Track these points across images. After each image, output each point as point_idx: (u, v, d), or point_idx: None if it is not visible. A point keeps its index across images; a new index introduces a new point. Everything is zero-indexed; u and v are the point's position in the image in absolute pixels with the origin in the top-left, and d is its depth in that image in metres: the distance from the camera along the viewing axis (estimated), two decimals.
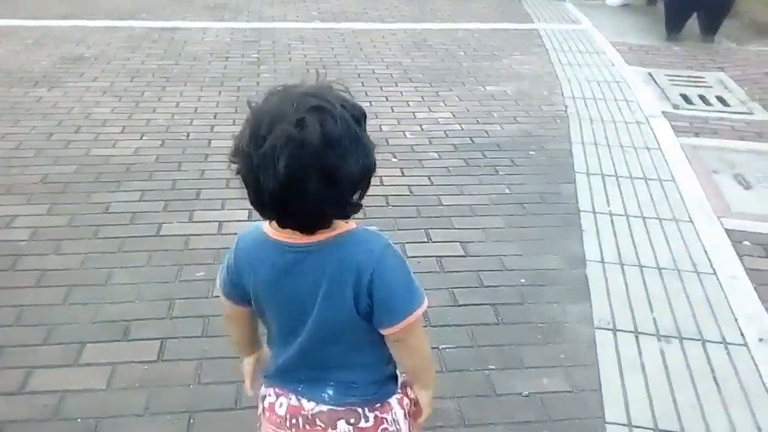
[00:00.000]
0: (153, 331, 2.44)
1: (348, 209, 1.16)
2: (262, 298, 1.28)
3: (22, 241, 2.99)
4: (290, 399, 1.32)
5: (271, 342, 1.37)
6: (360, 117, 1.14)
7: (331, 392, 1.29)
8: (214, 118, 4.44)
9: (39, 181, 3.53)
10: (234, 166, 1.15)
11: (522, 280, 2.79)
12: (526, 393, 2.20)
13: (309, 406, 1.30)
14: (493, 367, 2.31)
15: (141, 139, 4.08)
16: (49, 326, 2.45)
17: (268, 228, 1.24)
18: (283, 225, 1.19)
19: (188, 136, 4.15)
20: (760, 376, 2.29)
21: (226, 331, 1.53)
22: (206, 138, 4.12)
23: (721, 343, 2.45)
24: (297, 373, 1.31)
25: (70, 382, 2.19)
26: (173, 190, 3.48)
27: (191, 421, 2.07)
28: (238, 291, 1.32)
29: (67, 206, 3.28)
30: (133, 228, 3.11)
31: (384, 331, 1.24)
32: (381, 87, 5.08)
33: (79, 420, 2.05)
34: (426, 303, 1.24)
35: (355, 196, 1.15)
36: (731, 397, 2.20)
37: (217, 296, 1.43)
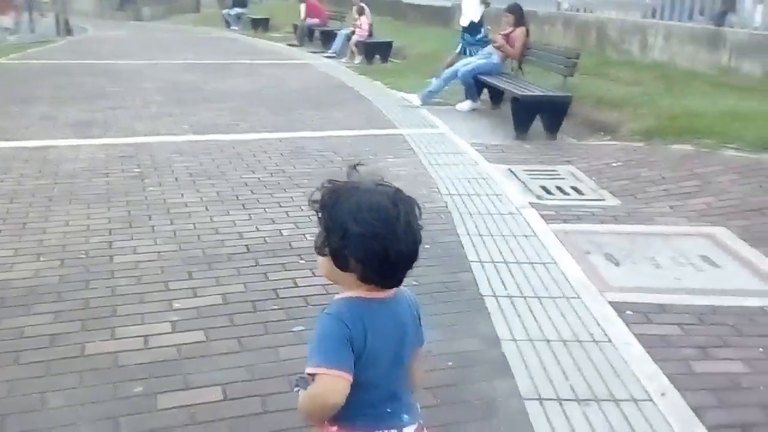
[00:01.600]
0: None
1: None
2: (379, 352, 1.52)
3: None
4: None
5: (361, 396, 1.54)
6: None
7: (407, 416, 1.61)
8: (110, 234, 4.42)
9: None
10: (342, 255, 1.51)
11: (449, 363, 3.02)
12: None
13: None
14: None
15: (38, 260, 3.99)
16: None
17: (358, 292, 1.54)
18: (390, 285, 1.55)
19: (87, 254, 4.10)
20: (670, 425, 2.62)
21: (325, 416, 1.57)
22: (107, 255, 4.10)
23: (631, 400, 2.78)
24: (384, 408, 1.58)
25: None
26: (87, 309, 3.43)
27: None
28: (352, 362, 1.51)
29: None
30: (55, 350, 3.04)
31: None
32: (271, 194, 5.28)
33: None
34: None
35: None
36: None
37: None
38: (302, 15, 17.64)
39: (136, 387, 2.78)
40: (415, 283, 3.79)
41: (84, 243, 4.26)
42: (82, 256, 4.07)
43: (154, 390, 2.76)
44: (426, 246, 4.38)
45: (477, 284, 3.81)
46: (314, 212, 1.53)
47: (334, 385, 1.48)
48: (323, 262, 1.54)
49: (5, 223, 4.55)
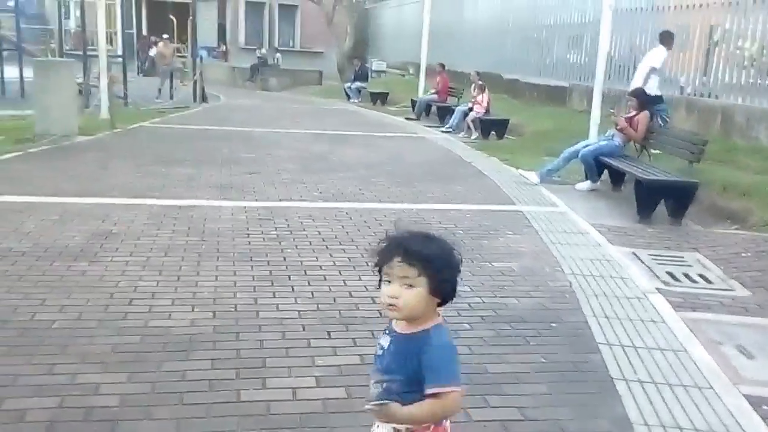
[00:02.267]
0: None
1: None
2: None
3: (114, 407, 3.18)
4: None
5: None
6: None
7: None
8: (255, 291, 4.77)
9: (110, 350, 3.75)
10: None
11: None
12: None
13: None
14: None
15: (193, 311, 4.36)
16: None
17: (438, 320, 2.02)
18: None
19: (236, 308, 4.45)
20: None
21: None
22: (254, 310, 4.43)
23: None
24: None
25: None
26: (239, 358, 3.73)
27: None
28: None
29: (144, 374, 3.50)
30: (214, 395, 3.33)
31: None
32: None
33: None
34: None
35: None
36: None
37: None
38: (434, 88, 18.33)
39: None
40: (543, 360, 3.90)
41: (232, 297, 4.62)
42: (231, 309, 4.42)
43: None
44: (552, 324, 4.52)
45: (606, 367, 3.86)
46: (416, 261, 1.90)
47: (460, 399, 1.97)
48: (417, 295, 1.90)
49: (161, 275, 4.99)
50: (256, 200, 7.57)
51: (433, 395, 1.91)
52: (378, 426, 2.02)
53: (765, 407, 3.49)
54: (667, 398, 3.53)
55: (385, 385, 1.99)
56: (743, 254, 6.26)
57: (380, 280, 1.97)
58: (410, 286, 1.89)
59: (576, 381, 3.69)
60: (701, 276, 5.64)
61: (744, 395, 3.59)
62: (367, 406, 1.97)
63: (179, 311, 4.35)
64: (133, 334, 3.96)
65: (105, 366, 3.57)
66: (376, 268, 1.97)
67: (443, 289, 1.93)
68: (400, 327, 2.00)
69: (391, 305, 1.91)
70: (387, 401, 1.93)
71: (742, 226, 7.29)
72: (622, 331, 4.37)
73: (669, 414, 3.37)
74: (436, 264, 1.89)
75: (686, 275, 5.65)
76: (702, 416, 3.36)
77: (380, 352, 2.03)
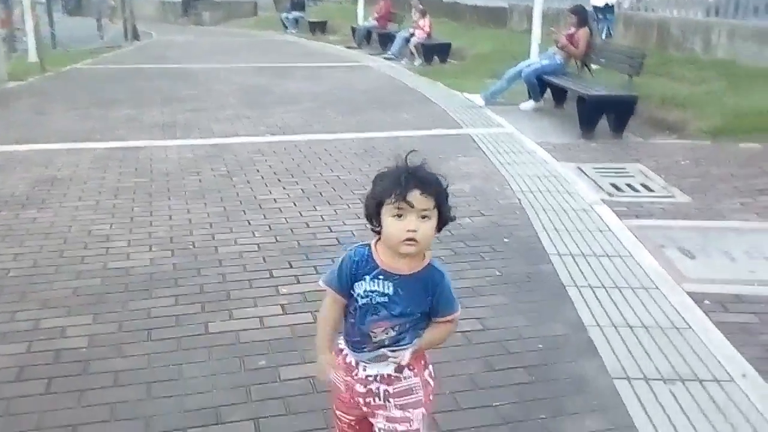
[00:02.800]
0: (242, 413, 2.73)
1: None
2: None
3: (83, 348, 3.21)
4: None
5: None
6: None
7: None
8: (211, 227, 4.78)
9: (71, 294, 3.75)
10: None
11: (540, 345, 3.27)
12: None
13: None
14: (543, 416, 2.74)
15: (150, 250, 4.36)
16: (146, 418, 2.69)
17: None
18: None
19: (194, 245, 4.46)
20: (753, 404, 2.82)
21: None
22: (212, 245, 4.45)
23: (714, 381, 2.98)
24: None
25: None
26: (203, 293, 3.78)
27: None
28: None
29: (109, 315, 3.52)
30: (182, 329, 3.38)
31: None
32: (352, 191, 5.58)
33: None
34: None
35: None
36: (736, 420, 2.72)
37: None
38: (372, 16, 18.01)
39: (260, 360, 3.10)
40: (498, 273, 4.05)
41: (189, 235, 4.62)
42: (190, 246, 4.43)
43: (276, 363, 3.08)
44: (505, 240, 4.67)
45: (558, 275, 4.04)
46: (433, 192, 1.81)
47: None
48: (432, 228, 1.83)
49: (114, 218, 4.95)
50: (202, 138, 7.48)
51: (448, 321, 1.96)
52: (365, 368, 1.96)
53: (707, 302, 3.71)
54: (617, 300, 3.73)
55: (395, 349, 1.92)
56: (682, 162, 6.51)
57: (370, 215, 1.86)
58: (426, 218, 1.79)
59: (530, 290, 3.86)
60: (643, 185, 5.86)
61: (687, 293, 3.81)
62: (390, 357, 1.92)
63: (137, 252, 4.34)
64: (93, 277, 3.96)
65: (68, 309, 3.58)
66: (374, 202, 1.83)
67: (446, 221, 1.86)
68: (401, 268, 1.86)
69: (410, 240, 1.78)
70: (405, 347, 1.92)
71: (680, 136, 7.54)
72: (571, 241, 4.55)
73: (619, 314, 3.57)
74: (444, 195, 1.84)
75: (629, 185, 5.86)
76: (649, 314, 3.57)
77: (383, 299, 1.87)
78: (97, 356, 3.15)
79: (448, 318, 1.94)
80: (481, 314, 3.55)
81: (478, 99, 9.42)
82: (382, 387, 1.96)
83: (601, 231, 4.75)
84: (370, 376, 1.96)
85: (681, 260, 4.30)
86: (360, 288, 1.88)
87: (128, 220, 4.92)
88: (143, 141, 7.26)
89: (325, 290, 1.95)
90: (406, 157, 1.85)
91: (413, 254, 1.83)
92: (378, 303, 1.87)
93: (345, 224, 4.83)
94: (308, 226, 4.81)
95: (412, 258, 1.85)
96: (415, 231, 1.78)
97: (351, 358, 1.98)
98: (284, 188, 5.65)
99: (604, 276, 4.03)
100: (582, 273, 4.07)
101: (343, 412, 2.07)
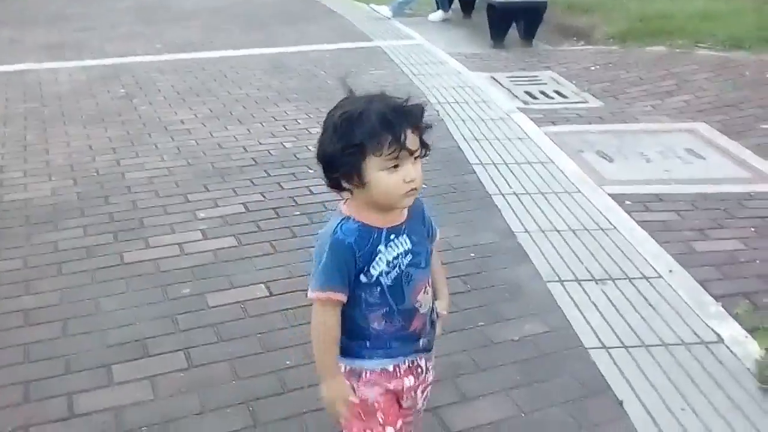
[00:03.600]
0: (170, 344, 2.57)
1: None
2: None
3: None
4: None
5: None
6: None
7: None
8: (114, 152, 4.46)
9: None
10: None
11: (472, 254, 3.23)
12: (517, 338, 2.63)
13: None
14: (482, 323, 2.72)
15: (50, 180, 4.04)
16: (65, 357, 2.50)
17: None
18: None
19: (98, 172, 4.16)
20: (682, 298, 2.89)
21: None
22: (118, 171, 4.16)
23: (643, 278, 3.04)
24: None
25: (116, 400, 2.29)
26: (113, 222, 3.53)
27: (251, 409, 2.26)
28: None
29: (12, 251, 3.24)
30: (95, 261, 3.15)
31: None
32: (264, 108, 5.33)
33: (144, 429, 2.17)
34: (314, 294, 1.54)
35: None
36: (666, 314, 2.78)
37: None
38: None
39: (184, 289, 2.93)
40: (424, 186, 3.96)
41: (91, 161, 4.30)
42: (93, 174, 4.12)
43: (201, 290, 2.91)
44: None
45: (483, 184, 3.99)
46: (422, 127, 1.49)
47: None
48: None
49: (5, 147, 4.55)
50: (95, 58, 6.94)
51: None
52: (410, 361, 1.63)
53: (628, 202, 3.76)
54: (542, 206, 3.73)
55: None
56: (592, 68, 6.54)
57: (346, 173, 1.46)
58: (418, 157, 1.48)
59: (457, 201, 3.80)
60: (557, 92, 5.86)
61: (609, 194, 3.85)
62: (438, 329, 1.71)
63: (35, 182, 4.01)
64: None
65: None
66: (353, 157, 1.43)
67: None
68: (399, 216, 1.55)
69: (413, 190, 1.48)
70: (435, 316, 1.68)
71: (588, 42, 7.57)
72: (492, 150, 4.51)
73: (545, 219, 3.57)
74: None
75: (543, 93, 5.85)
76: (575, 217, 3.59)
77: (409, 258, 1.55)
78: (4, 294, 2.89)
79: (438, 234, 1.71)
80: None
81: (385, 11, 9.13)
82: (424, 359, 1.66)
83: (520, 139, 4.72)
84: (415, 359, 1.62)
85: (600, 163, 4.34)
86: (379, 265, 1.52)
87: (21, 149, 4.53)
88: (29, 64, 6.68)
89: (315, 300, 1.54)
90: (347, 87, 1.52)
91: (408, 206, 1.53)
92: (408, 265, 1.55)
93: (261, 144, 4.60)
94: (221, 147, 4.56)
95: None
96: (414, 179, 1.47)
97: (388, 364, 1.59)
98: (190, 108, 5.33)
99: (527, 183, 4.02)
100: (506, 181, 4.04)
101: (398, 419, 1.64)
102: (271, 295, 2.89)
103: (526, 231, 3.46)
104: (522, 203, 3.76)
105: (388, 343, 1.57)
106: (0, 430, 2.15)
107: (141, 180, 4.03)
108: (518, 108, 5.39)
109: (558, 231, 3.45)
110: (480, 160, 4.34)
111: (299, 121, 5.06)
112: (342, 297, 1.51)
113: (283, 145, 4.53)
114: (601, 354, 2.54)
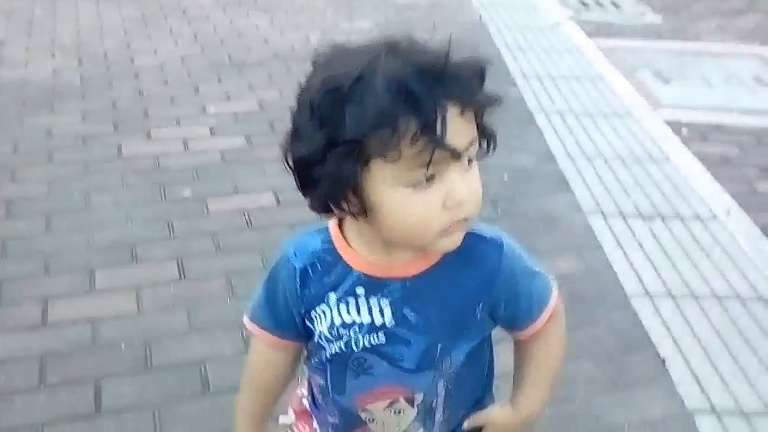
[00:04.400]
0: (163, 251, 2.31)
1: None
2: None
3: None
4: None
5: None
6: None
7: None
8: (125, 34, 4.11)
9: None
10: None
11: (505, 177, 2.90)
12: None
13: None
14: None
15: (53, 58, 3.72)
16: (44, 256, 2.25)
17: None
18: None
19: (105, 54, 3.82)
20: (739, 244, 2.55)
21: None
22: (127, 55, 3.83)
23: (697, 218, 2.69)
24: None
25: (95, 309, 2.05)
26: (116, 110, 3.23)
27: (243, 333, 2.01)
28: None
29: (2, 133, 2.96)
30: (89, 150, 2.88)
31: None
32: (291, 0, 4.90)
33: (123, 346, 1.93)
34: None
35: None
36: (720, 261, 2.45)
37: None
38: None
39: (184, 190, 2.65)
40: None
41: (99, 42, 3.96)
42: (101, 56, 3.79)
43: (203, 194, 2.63)
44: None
45: (524, 99, 3.61)
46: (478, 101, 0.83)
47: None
48: (479, 180, 0.86)
49: (9, 19, 4.21)
50: None
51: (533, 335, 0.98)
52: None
53: (684, 131, 3.38)
54: (588, 128, 3.35)
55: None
56: None
57: (329, 194, 0.81)
58: (471, 160, 0.83)
59: (494, 115, 3.43)
60: (612, 2, 5.34)
61: (664, 120, 3.46)
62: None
63: (37, 59, 3.70)
64: None
65: None
66: (349, 148, 0.77)
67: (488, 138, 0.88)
68: (401, 266, 0.89)
69: (462, 221, 0.83)
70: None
71: None
72: (537, 62, 4.08)
73: (591, 143, 3.21)
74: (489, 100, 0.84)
75: (597, 2, 5.33)
76: (623, 144, 3.22)
77: (375, 339, 0.91)
78: None
79: (543, 317, 0.96)
80: None
81: None
82: None
83: (568, 51, 4.28)
84: None
85: (655, 85, 3.91)
86: (321, 322, 0.93)
87: (27, 23, 4.19)
88: None
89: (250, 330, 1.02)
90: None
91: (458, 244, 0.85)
92: (369, 349, 0.92)
93: (283, 36, 4.22)
94: (240, 36, 4.19)
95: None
96: (463, 201, 0.81)
97: None
98: None
99: (573, 101, 3.63)
100: (549, 97, 3.65)
101: None
102: (279, 204, 2.60)
103: (569, 156, 3.10)
104: (566, 123, 3.38)
105: (324, 420, 1.04)
106: None
107: (150, 66, 3.69)
108: (569, 17, 4.90)
109: (604, 158, 3.09)
110: (523, 72, 3.93)
111: (328, 13, 4.64)
112: (270, 339, 0.99)
113: (308, 39, 4.14)
114: (643, 302, 2.24)
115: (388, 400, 0.94)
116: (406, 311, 0.89)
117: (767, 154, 3.22)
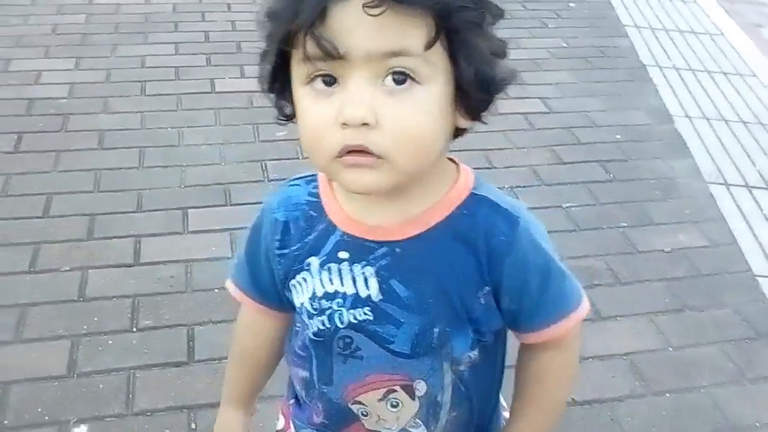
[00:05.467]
0: (257, 194, 2.20)
1: None
2: None
3: (62, 98, 2.63)
4: None
5: None
6: None
7: None
8: None
9: (50, 32, 3.11)
10: None
11: (617, 136, 2.68)
12: (668, 249, 2.14)
13: None
14: (625, 224, 2.23)
15: None
16: (136, 191, 2.18)
17: None
18: None
19: None
20: None
21: None
22: None
23: None
24: None
25: (188, 251, 1.97)
26: (208, 42, 3.12)
27: None
28: None
29: (95, 60, 2.91)
30: (182, 84, 2.79)
31: None
32: None
33: (216, 290, 1.85)
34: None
35: None
36: None
37: None
38: None
39: (280, 131, 2.52)
40: (564, 45, 3.36)
41: None
42: None
43: (297, 136, 2.50)
44: (571, 5, 3.90)
45: (636, 52, 3.34)
46: None
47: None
48: (418, 112, 0.66)
49: None
50: None
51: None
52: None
53: None
54: (707, 87, 3.09)
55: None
56: None
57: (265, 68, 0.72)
58: (405, 79, 0.65)
59: (603, 68, 3.19)
60: None
61: None
62: None
63: None
64: (76, 13, 3.27)
65: (45, 50, 2.95)
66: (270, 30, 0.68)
67: (482, 81, 0.68)
68: (389, 223, 0.74)
69: (355, 151, 0.66)
70: None
71: None
72: (651, 12, 3.78)
73: (711, 104, 2.95)
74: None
75: None
76: (747, 106, 2.95)
77: (362, 314, 0.76)
78: (79, 110, 2.58)
79: (561, 325, 0.79)
80: (544, 93, 2.92)
81: None
82: None
83: (685, 2, 3.95)
84: None
85: None
86: (303, 292, 0.79)
87: None
88: None
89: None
90: None
91: (377, 189, 0.69)
92: (356, 326, 0.77)
93: None
94: None
95: (406, 196, 0.73)
96: (363, 120, 0.64)
97: None
98: None
99: (690, 56, 3.34)
100: (664, 51, 3.38)
101: None
102: None
103: (687, 116, 2.85)
104: (683, 80, 3.12)
105: (305, 417, 0.88)
106: (56, 267, 1.88)
107: None
108: None
109: (726, 121, 2.84)
110: (635, 23, 3.65)
111: None
112: (251, 304, 0.86)
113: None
114: None
115: (383, 390, 0.78)
116: (394, 283, 0.74)
117: None
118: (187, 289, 1.84)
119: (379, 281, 0.74)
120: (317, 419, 0.84)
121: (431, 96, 0.66)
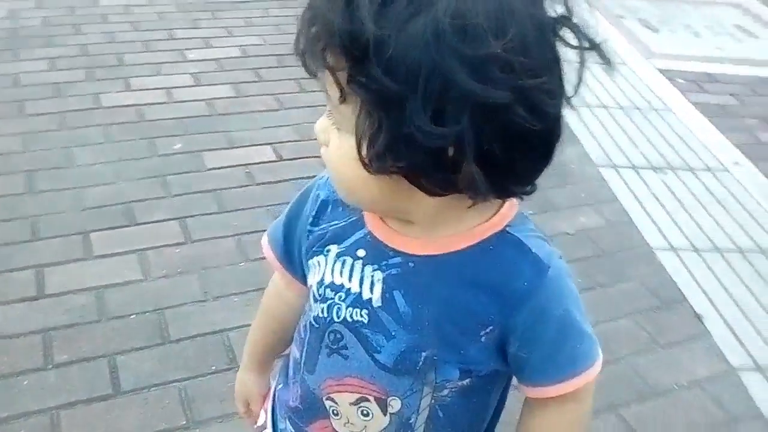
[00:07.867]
0: (161, 212, 2.12)
1: None
2: None
3: None
4: None
5: None
6: None
7: None
8: None
9: None
10: None
11: None
12: (572, 231, 2.24)
13: None
14: (531, 212, 2.30)
15: (8, 0, 3.39)
16: (29, 219, 2.04)
17: None
18: None
19: None
20: (749, 193, 2.52)
21: None
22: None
23: (707, 170, 2.64)
24: None
25: (96, 277, 1.86)
26: (86, 56, 2.97)
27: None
28: None
29: None
30: (64, 101, 2.63)
31: None
32: None
33: (132, 316, 1.76)
34: None
35: None
36: (737, 213, 2.41)
37: None
38: None
39: (174, 144, 2.44)
40: None
41: None
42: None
43: (195, 148, 2.43)
44: None
45: None
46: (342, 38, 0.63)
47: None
48: (342, 154, 0.67)
49: None
50: None
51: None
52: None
53: (680, 80, 3.31)
54: (585, 77, 3.25)
55: None
56: None
57: None
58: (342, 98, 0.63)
59: None
60: None
61: (658, 69, 3.39)
62: None
63: None
64: None
65: None
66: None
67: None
68: (409, 239, 0.73)
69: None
70: None
71: None
72: None
73: (590, 92, 3.11)
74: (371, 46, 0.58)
75: None
76: (623, 93, 3.14)
77: (358, 315, 0.75)
78: None
79: (571, 383, 0.75)
80: None
81: None
82: None
83: None
84: None
85: (644, 33, 3.84)
86: (315, 274, 0.80)
87: None
88: None
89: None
90: None
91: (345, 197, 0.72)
92: (345, 323, 0.77)
93: None
94: None
95: (434, 219, 0.70)
96: (318, 139, 0.70)
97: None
98: None
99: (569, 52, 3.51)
100: None
101: None
102: (280, 159, 2.43)
103: (591, 105, 3.00)
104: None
105: (285, 411, 0.89)
106: None
107: (116, 8, 3.42)
108: None
109: (605, 107, 3.01)
110: None
111: None
112: (274, 263, 0.88)
113: None
114: (669, 257, 2.18)
115: (357, 395, 0.78)
116: (397, 295, 0.73)
117: (764, 104, 3.19)
118: (101, 318, 1.74)
119: (383, 288, 0.73)
120: (293, 403, 0.85)
121: (343, 138, 0.64)
